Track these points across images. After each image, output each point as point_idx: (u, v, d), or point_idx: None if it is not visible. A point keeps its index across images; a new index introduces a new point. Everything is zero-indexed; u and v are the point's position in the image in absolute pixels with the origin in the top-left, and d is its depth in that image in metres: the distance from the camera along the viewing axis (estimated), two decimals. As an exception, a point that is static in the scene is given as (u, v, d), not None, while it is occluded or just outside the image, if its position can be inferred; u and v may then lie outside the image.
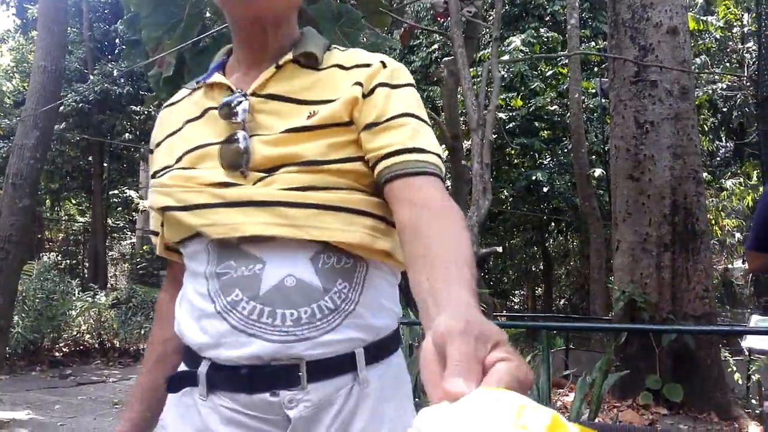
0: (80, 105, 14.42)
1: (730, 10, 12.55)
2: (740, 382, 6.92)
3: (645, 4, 5.55)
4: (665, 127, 5.53)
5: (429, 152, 0.84)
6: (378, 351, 0.88)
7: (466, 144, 8.86)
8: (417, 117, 0.87)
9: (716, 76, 11.47)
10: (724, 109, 12.10)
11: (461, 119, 8.19)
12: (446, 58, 8.04)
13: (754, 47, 13.52)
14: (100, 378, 8.27)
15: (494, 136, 12.56)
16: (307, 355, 0.81)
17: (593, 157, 10.74)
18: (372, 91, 0.88)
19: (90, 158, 17.85)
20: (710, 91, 11.90)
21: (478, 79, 8.80)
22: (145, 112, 17.13)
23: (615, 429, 3.45)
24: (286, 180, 0.84)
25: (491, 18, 15.45)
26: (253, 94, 0.90)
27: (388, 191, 0.83)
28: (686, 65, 5.62)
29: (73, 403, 6.57)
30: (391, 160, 0.83)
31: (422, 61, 13.49)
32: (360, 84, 0.87)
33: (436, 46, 12.88)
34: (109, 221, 20.03)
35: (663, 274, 5.52)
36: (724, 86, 11.31)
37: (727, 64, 12.54)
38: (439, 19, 9.06)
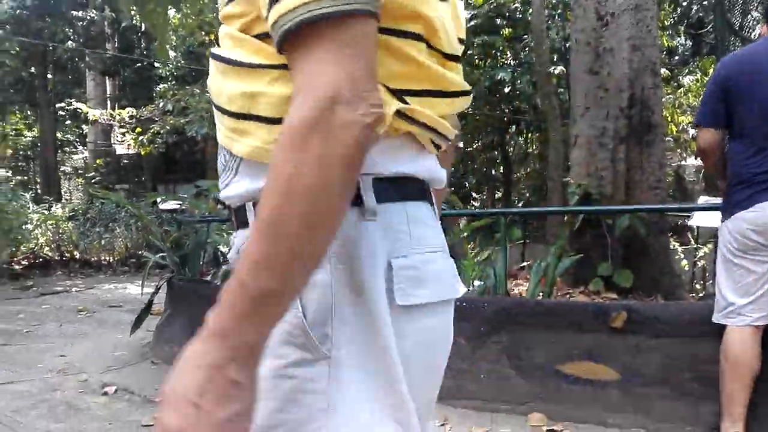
0: (17, 11, 13.41)
1: None
2: (687, 269, 7.33)
3: None
4: (625, 17, 5.47)
5: None
6: None
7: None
8: None
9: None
10: (684, 3, 12.01)
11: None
12: None
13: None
14: (64, 288, 8.25)
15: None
16: (226, 200, 0.85)
17: (554, 55, 10.62)
18: None
19: (32, 69, 16.87)
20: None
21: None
22: (89, 17, 16.07)
23: (567, 305, 3.64)
24: None
25: None
26: None
27: None
28: (648, -48, 5.47)
29: (37, 312, 6.57)
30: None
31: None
32: None
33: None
34: (59, 135, 19.26)
35: (617, 167, 5.64)
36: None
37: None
38: None
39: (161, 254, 5.63)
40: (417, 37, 0.77)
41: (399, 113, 0.77)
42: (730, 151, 2.37)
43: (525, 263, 6.62)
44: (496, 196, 19.49)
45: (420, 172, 0.84)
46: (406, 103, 0.78)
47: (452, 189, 15.30)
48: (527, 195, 18.03)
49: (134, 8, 9.14)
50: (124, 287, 8.38)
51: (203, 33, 13.67)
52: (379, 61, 0.69)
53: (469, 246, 5.58)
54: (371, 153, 0.70)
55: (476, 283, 4.24)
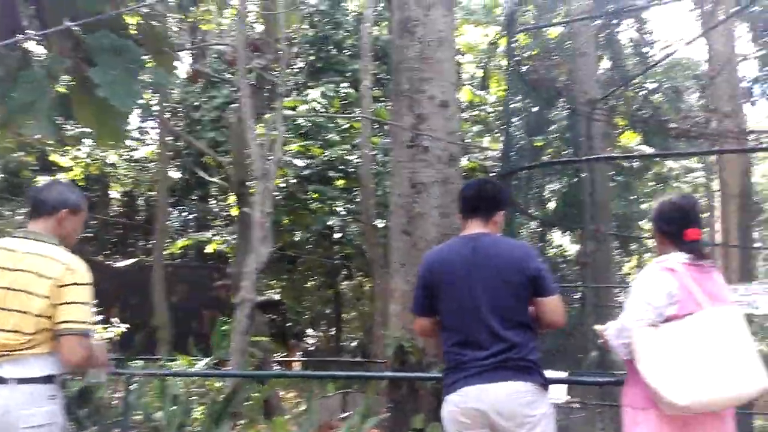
0: None
1: (500, 87, 14.48)
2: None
3: (422, 78, 6.20)
4: (434, 189, 6.16)
5: None
6: None
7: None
8: None
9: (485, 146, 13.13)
10: (493, 173, 13.83)
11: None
12: (233, 105, 8.11)
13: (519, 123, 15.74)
14: None
15: (294, 181, 12.88)
16: None
17: (382, 208, 11.46)
18: None
19: None
20: (483, 156, 13.50)
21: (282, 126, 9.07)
22: None
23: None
24: None
25: (296, 68, 15.94)
26: None
27: None
28: (454, 136, 6.36)
29: None
30: None
31: (225, 98, 13.36)
32: None
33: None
34: None
35: (429, 321, 6.05)
36: (491, 154, 12.94)
37: (497, 135, 14.39)
38: (231, 65, 9.13)
39: None
40: None
41: None
42: (441, 338, 2.52)
43: (346, 413, 6.61)
44: (332, 334, 19.60)
45: None
46: None
47: (286, 328, 15.13)
48: (360, 336, 18.36)
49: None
50: None
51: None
52: None
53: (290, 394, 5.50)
54: None
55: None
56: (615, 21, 13.34)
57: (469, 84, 16.06)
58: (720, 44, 11.63)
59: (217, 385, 4.50)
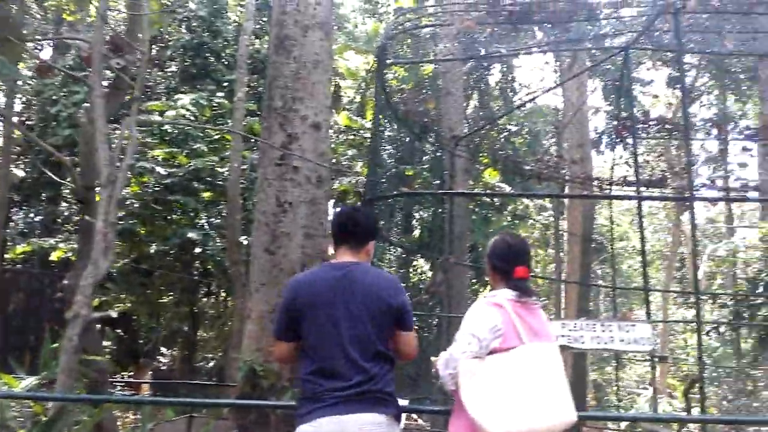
0: None
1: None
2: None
3: (295, 97, 6.17)
4: (302, 208, 6.11)
5: None
6: None
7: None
8: None
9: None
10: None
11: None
12: (86, 104, 7.57)
13: (392, 151, 16.18)
14: None
15: (156, 189, 12.17)
16: None
17: (249, 224, 11.17)
18: None
19: None
20: (355, 181, 13.66)
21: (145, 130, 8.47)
22: None
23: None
24: None
25: (169, 71, 15.24)
26: None
27: None
28: (324, 158, 6.37)
29: None
30: None
31: (86, 95, 12.41)
32: None
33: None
34: None
35: (286, 344, 5.93)
36: (363, 179, 13.18)
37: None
38: (85, 62, 8.53)
39: None
40: None
41: None
42: (299, 365, 2.50)
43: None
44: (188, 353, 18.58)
45: None
46: None
47: (138, 345, 14.13)
48: (218, 356, 17.58)
49: None
50: None
51: None
52: None
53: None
54: None
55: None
56: (485, 64, 14.23)
57: (348, 108, 16.28)
58: (574, 96, 12.80)
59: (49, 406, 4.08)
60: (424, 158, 14.57)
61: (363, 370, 2.39)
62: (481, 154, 10.82)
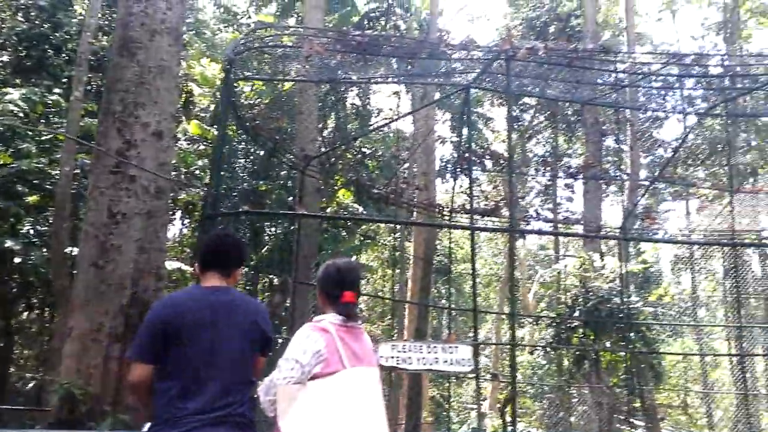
0: None
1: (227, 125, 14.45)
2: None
3: (137, 102, 5.86)
4: (136, 221, 5.78)
5: None
6: None
7: None
8: None
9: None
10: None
11: None
12: None
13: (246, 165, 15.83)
14: None
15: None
16: None
17: (80, 233, 10.31)
18: None
19: None
20: (204, 192, 13.18)
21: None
22: None
23: None
24: None
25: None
26: None
27: None
28: (166, 168, 6.09)
29: None
30: None
31: None
32: None
33: None
34: None
35: (110, 365, 5.53)
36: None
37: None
38: None
39: None
40: None
41: None
42: (156, 389, 2.41)
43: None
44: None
45: None
46: None
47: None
48: (39, 376, 15.86)
49: None
50: None
51: None
52: None
53: None
54: None
55: None
56: (341, 89, 14.49)
57: (200, 117, 15.71)
58: (423, 125, 13.45)
59: None
60: (281, 174, 14.44)
61: (229, 393, 2.40)
62: (335, 175, 10.98)
